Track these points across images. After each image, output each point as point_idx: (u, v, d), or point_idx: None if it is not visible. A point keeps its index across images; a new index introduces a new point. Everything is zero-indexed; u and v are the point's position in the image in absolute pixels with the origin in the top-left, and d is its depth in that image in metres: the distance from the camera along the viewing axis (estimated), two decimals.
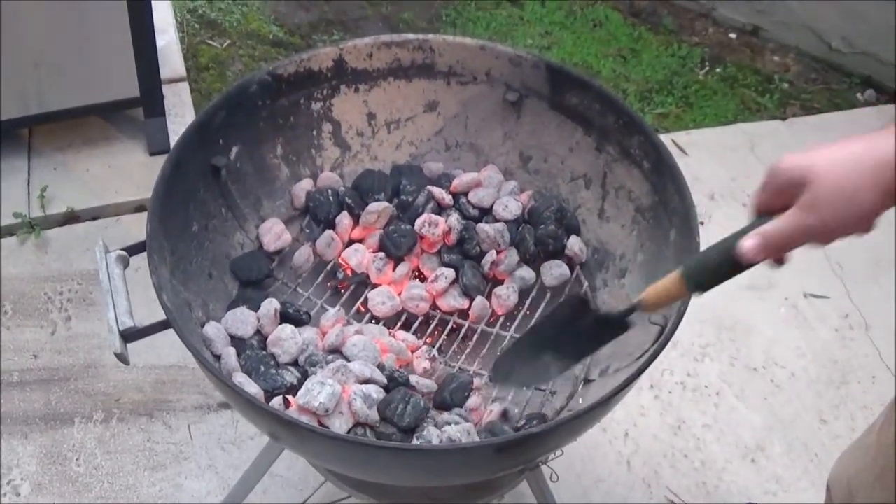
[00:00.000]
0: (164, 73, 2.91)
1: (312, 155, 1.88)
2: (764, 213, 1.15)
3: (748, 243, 1.14)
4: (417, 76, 1.88)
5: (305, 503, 2.17)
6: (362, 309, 1.79)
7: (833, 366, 2.60)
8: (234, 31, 3.45)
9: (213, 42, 3.40)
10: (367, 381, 1.58)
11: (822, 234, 1.09)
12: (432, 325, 1.80)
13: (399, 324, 1.79)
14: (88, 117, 2.89)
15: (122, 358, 1.47)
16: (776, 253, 1.14)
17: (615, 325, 1.46)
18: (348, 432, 1.53)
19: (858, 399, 2.52)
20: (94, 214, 2.79)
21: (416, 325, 1.80)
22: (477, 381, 1.68)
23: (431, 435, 1.52)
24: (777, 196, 1.12)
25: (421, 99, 1.91)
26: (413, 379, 1.63)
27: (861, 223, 1.08)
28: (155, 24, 2.68)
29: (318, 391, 1.51)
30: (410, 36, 1.83)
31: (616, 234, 1.83)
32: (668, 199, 1.68)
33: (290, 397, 1.55)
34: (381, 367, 1.63)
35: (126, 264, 1.57)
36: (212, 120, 1.70)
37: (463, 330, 1.80)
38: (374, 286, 1.81)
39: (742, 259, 1.15)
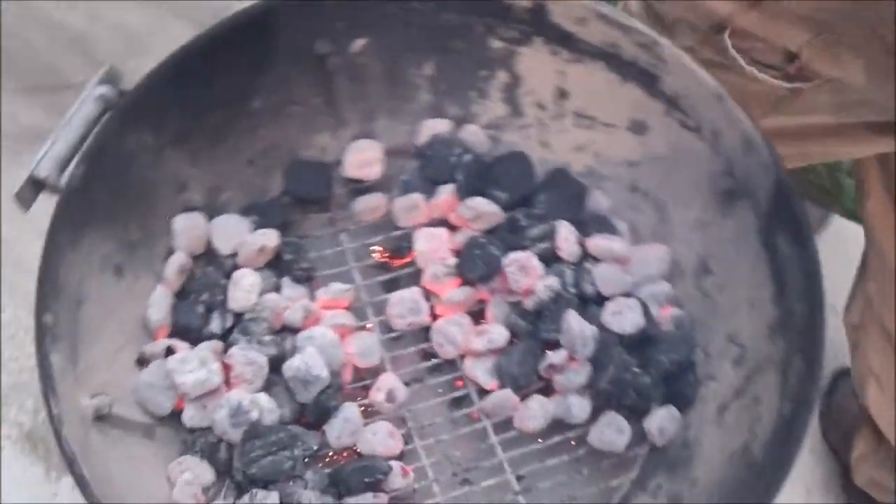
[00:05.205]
0: None
1: (470, 97, 1.38)
2: None
3: None
4: (634, 80, 1.27)
5: None
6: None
7: None
8: None
9: None
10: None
11: None
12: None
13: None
14: None
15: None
16: None
17: None
18: (192, 432, 1.22)
19: None
20: None
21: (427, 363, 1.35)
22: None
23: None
24: None
25: (628, 111, 1.31)
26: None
27: None
28: None
29: (191, 368, 1.21)
30: (638, 25, 1.22)
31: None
32: None
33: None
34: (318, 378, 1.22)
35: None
36: None
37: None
38: (424, 290, 1.33)
39: None
